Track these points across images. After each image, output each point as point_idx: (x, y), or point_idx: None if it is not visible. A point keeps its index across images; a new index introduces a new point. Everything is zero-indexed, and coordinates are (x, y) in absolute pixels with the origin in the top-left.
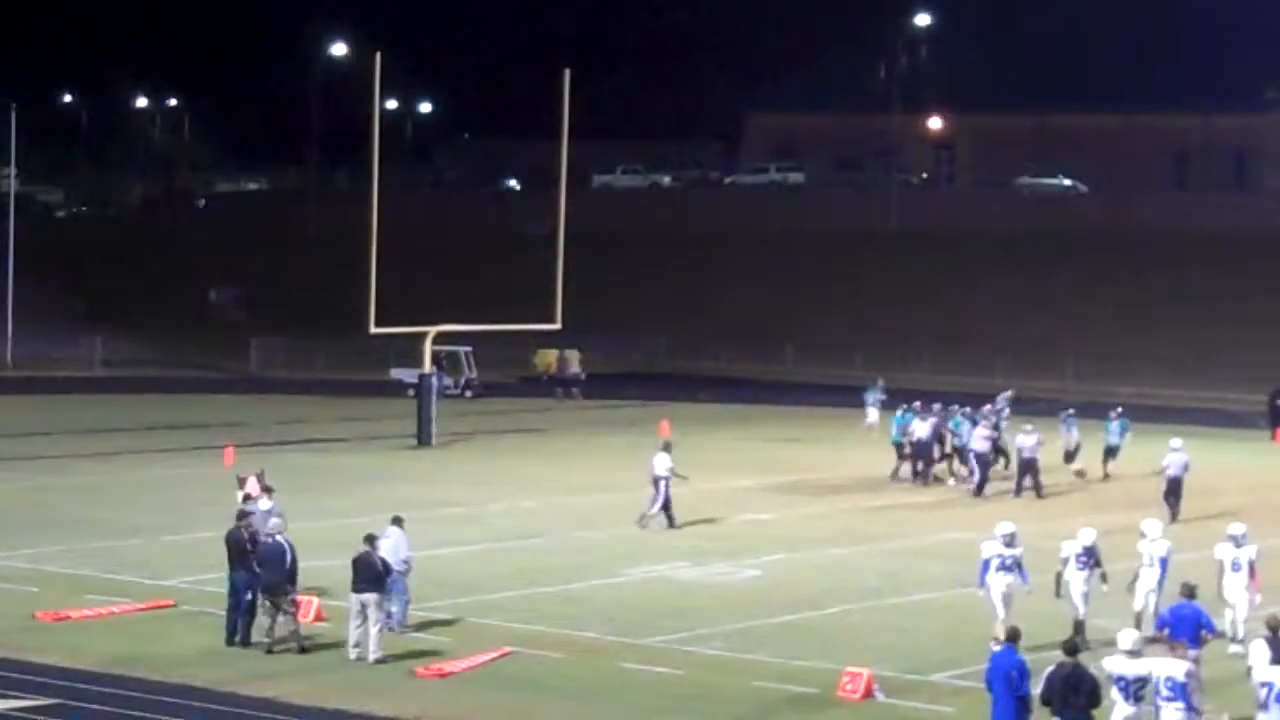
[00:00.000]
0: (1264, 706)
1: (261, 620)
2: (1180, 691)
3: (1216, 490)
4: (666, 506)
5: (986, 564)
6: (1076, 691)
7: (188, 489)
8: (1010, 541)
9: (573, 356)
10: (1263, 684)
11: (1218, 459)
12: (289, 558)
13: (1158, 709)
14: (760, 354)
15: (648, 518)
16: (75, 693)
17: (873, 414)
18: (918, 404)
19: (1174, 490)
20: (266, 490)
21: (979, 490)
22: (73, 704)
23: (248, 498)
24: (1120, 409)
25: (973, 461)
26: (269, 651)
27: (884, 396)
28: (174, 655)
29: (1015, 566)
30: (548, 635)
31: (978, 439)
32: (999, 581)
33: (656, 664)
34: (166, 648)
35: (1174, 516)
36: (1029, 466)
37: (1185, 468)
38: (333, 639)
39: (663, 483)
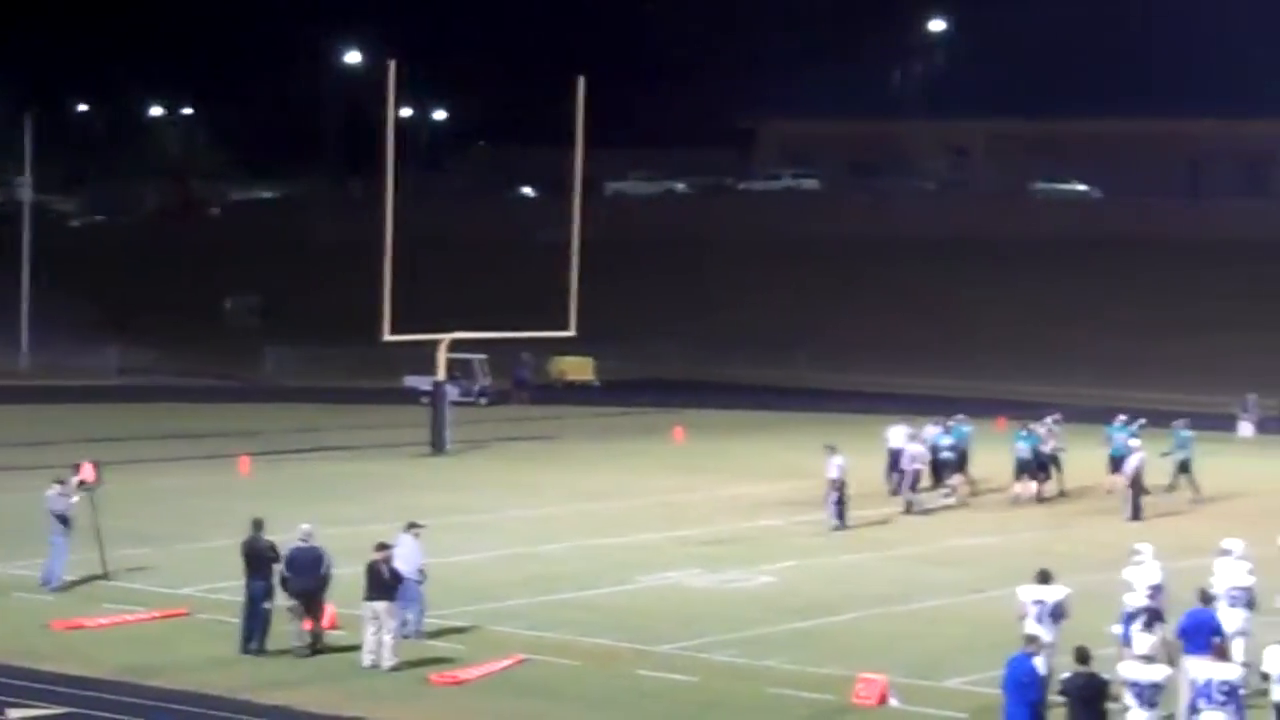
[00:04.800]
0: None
1: (287, 627)
2: (1234, 695)
3: (1248, 493)
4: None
5: None
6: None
7: (202, 498)
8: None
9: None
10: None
11: (1231, 464)
12: (324, 564)
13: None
14: (773, 360)
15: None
16: (90, 701)
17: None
18: (1123, 417)
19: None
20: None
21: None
22: (87, 712)
23: (82, 483)
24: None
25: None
26: (311, 654)
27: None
28: (188, 663)
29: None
30: (562, 642)
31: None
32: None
33: (671, 671)
34: (181, 656)
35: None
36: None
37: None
38: (347, 646)
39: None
